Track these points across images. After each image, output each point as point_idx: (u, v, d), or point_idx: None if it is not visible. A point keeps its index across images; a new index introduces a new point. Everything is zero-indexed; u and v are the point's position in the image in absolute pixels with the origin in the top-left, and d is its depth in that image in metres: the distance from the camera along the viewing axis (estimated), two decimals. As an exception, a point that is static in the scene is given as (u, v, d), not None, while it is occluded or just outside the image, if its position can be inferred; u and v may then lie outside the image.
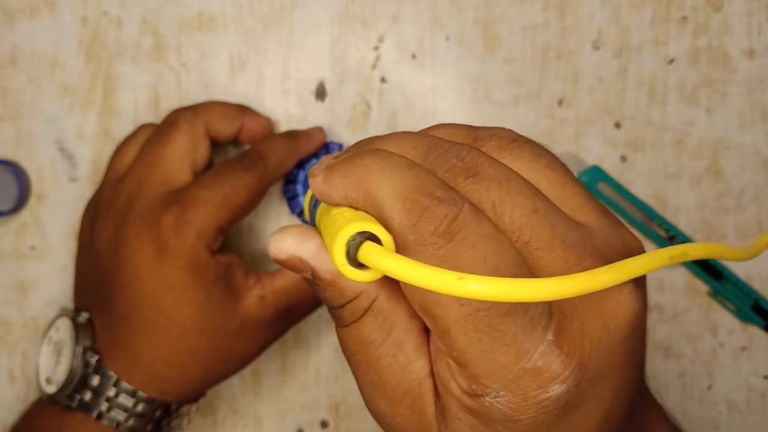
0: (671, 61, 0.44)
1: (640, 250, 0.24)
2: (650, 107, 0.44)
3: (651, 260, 0.22)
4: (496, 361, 0.21)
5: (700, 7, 0.44)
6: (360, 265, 0.22)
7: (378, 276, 0.22)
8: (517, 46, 0.44)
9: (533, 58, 0.44)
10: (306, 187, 0.42)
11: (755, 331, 0.46)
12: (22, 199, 0.44)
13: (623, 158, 0.45)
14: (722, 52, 0.44)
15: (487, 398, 0.22)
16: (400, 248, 0.22)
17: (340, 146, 0.44)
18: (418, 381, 0.24)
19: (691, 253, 0.24)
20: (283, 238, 0.25)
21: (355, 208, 0.23)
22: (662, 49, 0.44)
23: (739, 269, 0.45)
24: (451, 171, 0.23)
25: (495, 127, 0.25)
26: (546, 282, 0.20)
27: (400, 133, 0.25)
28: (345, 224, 0.22)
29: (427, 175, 0.22)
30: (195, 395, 0.41)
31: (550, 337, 0.21)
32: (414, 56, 0.44)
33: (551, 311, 0.22)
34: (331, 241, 0.22)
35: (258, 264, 0.45)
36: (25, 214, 0.44)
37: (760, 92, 0.44)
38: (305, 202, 0.28)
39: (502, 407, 0.22)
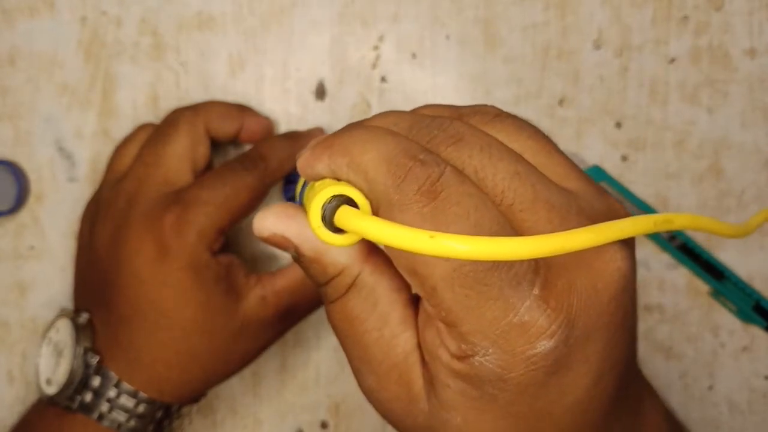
0: (672, 60, 0.44)
1: (625, 215, 0.24)
2: (651, 107, 0.44)
3: (634, 224, 0.22)
4: (483, 317, 0.22)
5: (701, 6, 0.44)
6: (338, 231, 0.22)
7: (355, 239, 0.23)
8: (517, 45, 0.44)
9: (534, 57, 0.44)
10: (301, 194, 0.42)
11: (756, 331, 0.46)
12: (20, 199, 0.44)
13: (624, 158, 0.45)
14: (723, 51, 0.44)
15: (477, 357, 0.22)
16: (386, 208, 0.22)
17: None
18: (404, 354, 0.25)
19: (676, 221, 0.24)
20: (265, 215, 0.25)
21: (339, 179, 0.24)
22: (663, 49, 0.44)
23: (741, 269, 0.45)
24: (433, 140, 0.23)
25: (479, 105, 0.26)
26: (521, 240, 0.20)
27: (385, 112, 0.26)
28: (321, 189, 0.23)
29: (409, 141, 0.23)
30: (196, 396, 0.40)
31: (536, 292, 0.22)
32: (414, 56, 0.44)
33: (537, 267, 0.22)
34: (308, 206, 0.23)
35: (258, 264, 0.45)
36: (24, 214, 0.44)
37: (761, 92, 0.44)
38: (297, 189, 0.28)
39: (491, 365, 0.22)
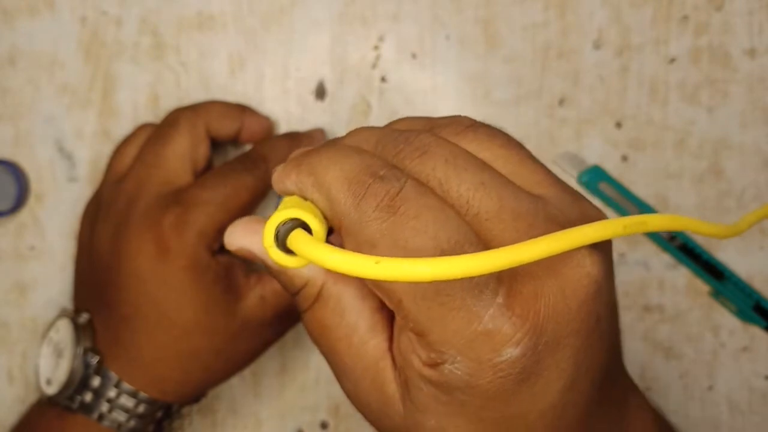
0: (672, 60, 0.44)
1: (598, 220, 0.24)
2: (651, 107, 0.44)
3: (599, 228, 0.22)
4: (448, 327, 0.22)
5: (701, 6, 0.44)
6: (292, 252, 0.23)
7: (304, 263, 0.23)
8: (517, 45, 0.44)
9: (534, 57, 0.44)
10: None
11: (756, 331, 0.46)
12: (21, 199, 0.44)
13: (624, 158, 0.45)
14: (723, 51, 0.44)
15: (446, 365, 0.22)
16: (347, 226, 0.23)
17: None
18: (374, 359, 0.25)
19: (651, 222, 0.23)
20: (233, 230, 0.27)
21: (305, 198, 0.24)
22: (663, 49, 0.44)
23: (741, 269, 0.45)
24: (399, 154, 0.24)
25: (453, 116, 0.26)
26: (466, 258, 0.20)
27: (359, 128, 0.26)
28: (282, 209, 0.23)
29: (372, 158, 0.23)
30: (196, 396, 0.41)
31: (500, 300, 0.22)
32: (414, 55, 0.44)
33: (500, 276, 0.22)
34: (265, 225, 0.23)
35: (258, 264, 0.45)
36: (24, 214, 0.44)
37: (761, 92, 0.44)
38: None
39: (460, 373, 0.22)
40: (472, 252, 0.21)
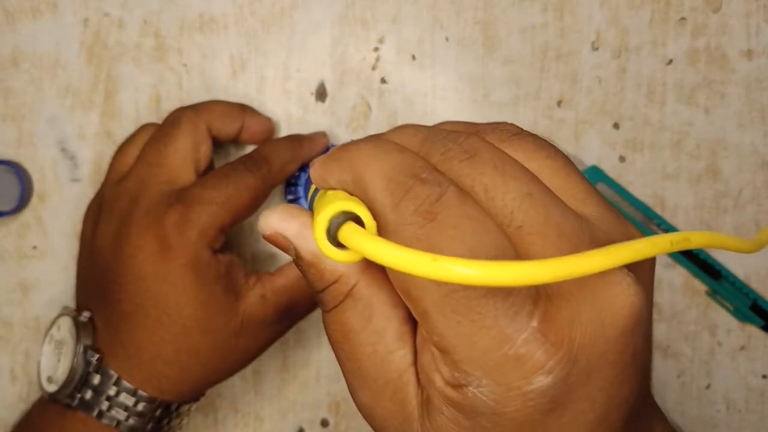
0: (670, 61, 0.44)
1: None
2: (649, 108, 0.45)
3: (650, 245, 0.21)
4: (476, 346, 0.21)
5: (698, 8, 0.44)
6: (341, 246, 0.22)
7: (357, 258, 0.22)
8: (516, 46, 0.44)
9: (532, 58, 0.44)
10: (307, 190, 0.43)
11: (753, 330, 0.46)
12: (23, 199, 0.44)
13: (622, 158, 0.45)
14: (721, 52, 0.44)
15: (471, 388, 0.21)
16: (383, 228, 0.22)
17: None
18: (398, 372, 0.24)
19: (694, 240, 0.23)
20: (270, 213, 0.25)
21: (349, 193, 0.23)
22: (661, 50, 0.44)
23: (738, 269, 0.46)
24: (446, 155, 0.23)
25: (498, 122, 0.25)
26: (523, 265, 0.19)
27: (405, 125, 0.25)
28: (332, 202, 0.22)
29: (415, 158, 0.22)
30: (195, 394, 0.41)
31: (534, 324, 0.21)
32: (414, 57, 0.44)
33: (537, 298, 0.21)
34: (315, 217, 0.22)
35: (258, 264, 0.45)
36: (27, 214, 0.45)
37: (758, 93, 0.44)
38: (309, 194, 0.28)
39: (485, 398, 0.21)
40: None
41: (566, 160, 0.24)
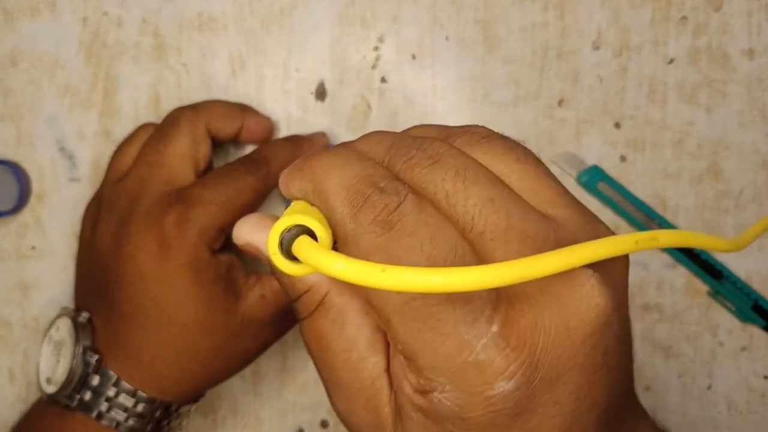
0: (671, 61, 0.44)
1: None
2: (650, 107, 0.44)
3: (611, 244, 0.21)
4: (438, 353, 0.21)
5: (699, 7, 0.44)
6: (297, 259, 0.22)
7: (309, 271, 0.22)
8: (516, 46, 0.44)
9: (533, 58, 0.44)
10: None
11: (755, 331, 0.46)
12: (22, 199, 0.44)
13: (623, 158, 0.45)
14: (722, 52, 0.44)
15: (435, 394, 0.21)
16: (342, 237, 0.22)
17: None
18: (371, 379, 0.24)
19: (662, 239, 0.22)
20: (242, 224, 0.26)
21: (311, 203, 0.24)
22: (662, 49, 0.44)
23: (739, 269, 0.45)
24: (408, 162, 0.23)
25: (469, 125, 0.25)
26: (472, 270, 0.19)
27: (373, 132, 0.25)
28: (289, 214, 0.22)
29: (375, 167, 0.23)
30: (195, 395, 0.41)
31: (494, 329, 0.21)
32: (414, 56, 0.44)
33: (497, 303, 0.21)
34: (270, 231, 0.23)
35: (258, 265, 0.45)
36: (26, 214, 0.45)
37: (759, 92, 0.44)
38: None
39: (449, 403, 0.21)
40: None
41: (537, 162, 0.24)
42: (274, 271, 0.25)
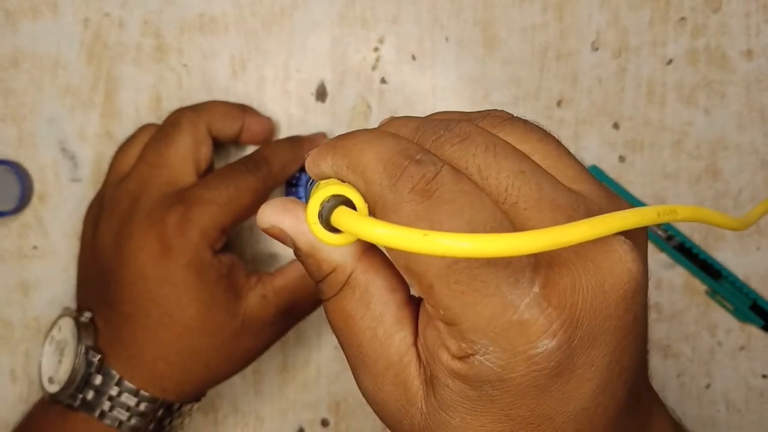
0: (670, 61, 0.44)
1: None
2: (649, 108, 0.45)
3: (638, 215, 0.22)
4: (481, 314, 0.21)
5: (698, 8, 0.44)
6: (335, 231, 0.23)
7: (350, 240, 0.23)
8: (516, 47, 0.44)
9: (532, 59, 0.44)
10: (308, 190, 0.43)
11: (753, 330, 0.46)
12: (24, 200, 0.44)
13: (622, 158, 0.45)
14: (720, 52, 0.44)
15: (477, 356, 0.22)
16: (382, 207, 0.22)
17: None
18: (398, 355, 0.25)
19: (681, 212, 0.23)
20: (266, 207, 0.26)
21: (342, 180, 0.24)
22: (661, 50, 0.44)
23: (738, 269, 0.46)
24: (438, 140, 0.23)
25: (489, 110, 0.26)
26: (514, 236, 0.20)
27: (396, 117, 0.26)
28: (323, 188, 0.23)
29: (408, 142, 0.23)
30: (196, 394, 0.41)
31: (536, 289, 0.21)
32: (414, 57, 0.44)
33: (537, 265, 0.22)
34: (308, 202, 0.23)
35: (259, 265, 0.45)
36: (27, 215, 0.45)
37: (758, 93, 0.45)
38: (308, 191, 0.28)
39: (491, 365, 0.22)
40: None
41: (557, 143, 0.25)
42: (299, 252, 0.25)
